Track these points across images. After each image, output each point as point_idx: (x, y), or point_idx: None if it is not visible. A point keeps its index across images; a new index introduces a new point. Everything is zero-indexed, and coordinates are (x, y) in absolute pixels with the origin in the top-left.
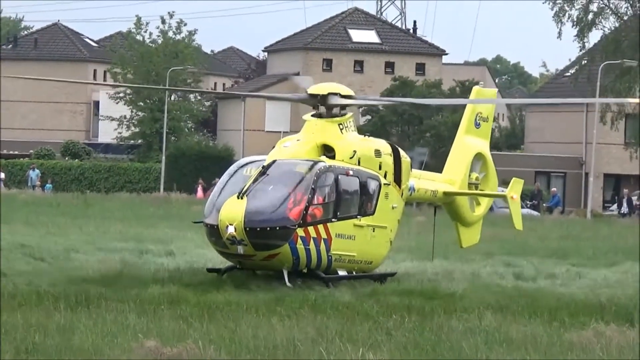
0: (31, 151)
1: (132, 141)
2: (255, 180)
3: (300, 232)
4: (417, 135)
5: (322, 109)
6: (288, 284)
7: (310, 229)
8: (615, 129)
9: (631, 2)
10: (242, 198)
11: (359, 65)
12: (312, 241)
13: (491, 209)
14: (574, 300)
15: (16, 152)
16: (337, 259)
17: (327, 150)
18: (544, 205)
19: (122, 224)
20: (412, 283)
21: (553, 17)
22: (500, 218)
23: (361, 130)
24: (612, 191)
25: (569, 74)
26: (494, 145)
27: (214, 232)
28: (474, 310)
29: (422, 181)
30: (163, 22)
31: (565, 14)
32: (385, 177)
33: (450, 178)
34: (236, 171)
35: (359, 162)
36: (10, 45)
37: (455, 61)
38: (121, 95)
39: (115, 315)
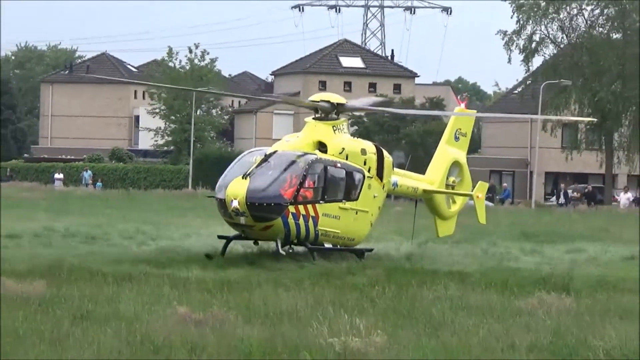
0: (84, 156)
1: (165, 148)
2: (258, 166)
3: (291, 209)
4: (395, 142)
5: (321, 114)
6: (280, 251)
7: (301, 207)
8: (554, 136)
9: (566, 33)
10: (245, 179)
11: (347, 86)
12: (301, 217)
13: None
14: (521, 273)
15: (72, 157)
16: (323, 234)
17: (321, 147)
18: (497, 197)
19: (157, 214)
20: (392, 260)
21: (504, 45)
22: (464, 209)
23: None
24: (551, 186)
25: (516, 91)
26: None
27: (223, 205)
28: (441, 282)
29: (404, 179)
30: (190, 51)
31: (513, 43)
32: (369, 171)
33: (430, 179)
34: (243, 158)
35: (347, 158)
36: (67, 71)
37: (425, 82)
38: (157, 111)
39: (153, 288)
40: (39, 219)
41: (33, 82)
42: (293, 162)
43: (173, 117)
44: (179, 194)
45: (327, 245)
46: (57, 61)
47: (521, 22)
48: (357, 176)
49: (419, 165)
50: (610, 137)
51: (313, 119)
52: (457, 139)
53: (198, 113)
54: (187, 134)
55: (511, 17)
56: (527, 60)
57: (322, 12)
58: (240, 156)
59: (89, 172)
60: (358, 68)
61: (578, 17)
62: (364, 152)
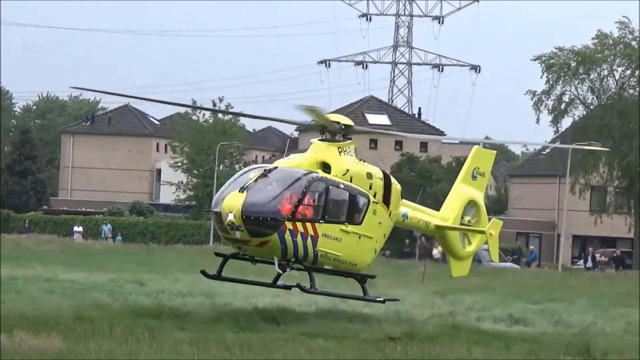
0: (104, 209)
1: (187, 202)
2: (256, 180)
3: (289, 225)
4: (420, 202)
5: (327, 135)
6: (277, 269)
7: (299, 224)
8: (583, 198)
9: (596, 94)
10: (242, 192)
11: (373, 143)
12: (299, 235)
13: (479, 261)
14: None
15: (92, 210)
16: (322, 255)
17: (325, 167)
18: (524, 260)
19: (177, 270)
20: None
21: (533, 105)
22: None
23: None
24: (579, 249)
25: (545, 152)
26: None
27: (218, 219)
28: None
29: (415, 212)
30: (214, 105)
31: (542, 103)
32: (374, 196)
33: (444, 216)
34: (242, 173)
35: (351, 180)
36: (89, 122)
37: (452, 141)
38: (179, 164)
39: (172, 345)
40: (57, 272)
41: (54, 132)
42: (293, 179)
43: (195, 172)
44: (200, 249)
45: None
46: (79, 112)
47: (551, 82)
48: (362, 200)
49: None
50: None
51: (319, 140)
52: (474, 177)
53: (221, 167)
54: (210, 189)
55: (541, 77)
56: (556, 121)
57: (348, 68)
58: (240, 172)
59: (109, 225)
60: (384, 125)
61: (609, 78)
62: (369, 176)
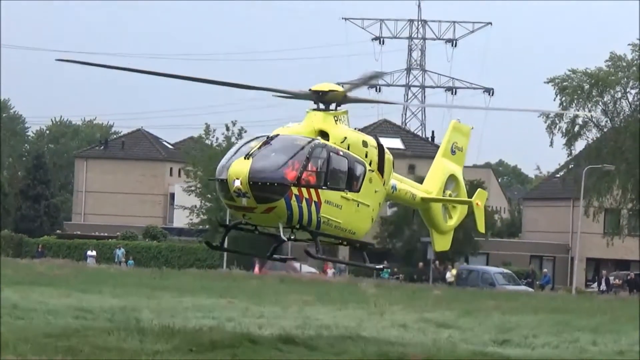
0: (118, 233)
1: (200, 226)
2: (259, 148)
3: (294, 190)
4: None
5: (322, 105)
6: (283, 237)
7: (304, 190)
8: (596, 221)
9: (610, 117)
10: (248, 159)
11: None
12: (304, 201)
13: (493, 285)
14: None
15: (106, 234)
16: (325, 222)
17: (323, 135)
18: (537, 283)
19: (190, 294)
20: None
21: (546, 128)
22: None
23: (388, 220)
24: (593, 272)
25: (558, 175)
26: (497, 233)
27: (224, 187)
28: None
29: (403, 184)
30: (227, 129)
31: (556, 126)
32: (370, 164)
33: (427, 189)
34: (244, 143)
35: (348, 148)
36: (102, 147)
37: (466, 164)
38: (193, 189)
39: None
40: (70, 296)
41: (67, 157)
42: (296, 145)
43: (209, 196)
44: (214, 273)
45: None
46: (92, 136)
47: (564, 104)
48: (359, 167)
49: (458, 247)
50: None
51: (313, 110)
52: (453, 152)
53: None
54: (223, 213)
55: (554, 100)
56: (569, 143)
57: (362, 91)
58: (241, 142)
59: (122, 249)
60: (397, 149)
61: (622, 100)
62: (365, 144)
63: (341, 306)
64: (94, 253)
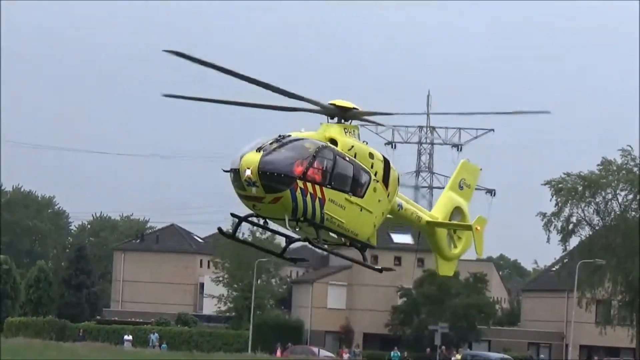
0: (152, 319)
1: (227, 313)
2: (271, 144)
3: (300, 184)
4: (440, 313)
5: (336, 119)
6: (288, 226)
7: (309, 185)
8: (589, 311)
9: (602, 216)
10: (259, 152)
11: (397, 260)
12: (309, 195)
13: None
14: None
15: (141, 320)
16: (328, 219)
17: (332, 143)
18: None
19: None
20: None
21: (543, 226)
22: None
23: (398, 309)
24: (586, 358)
25: (554, 269)
26: (498, 322)
27: (236, 176)
28: None
29: (409, 205)
30: (253, 225)
31: (552, 224)
32: (375, 175)
33: (433, 215)
34: (256, 140)
35: (355, 156)
36: (138, 240)
37: (470, 258)
38: (220, 279)
39: None
40: None
41: (107, 249)
42: (305, 144)
43: (235, 286)
44: (240, 356)
45: (332, 235)
46: (129, 231)
47: (559, 204)
48: (364, 175)
49: (463, 335)
50: None
51: (327, 122)
52: (461, 187)
53: (258, 282)
54: (248, 302)
55: (550, 200)
56: (564, 240)
57: None
58: (255, 140)
59: (156, 334)
60: (407, 244)
61: (613, 201)
62: (371, 155)
63: None
64: (130, 337)
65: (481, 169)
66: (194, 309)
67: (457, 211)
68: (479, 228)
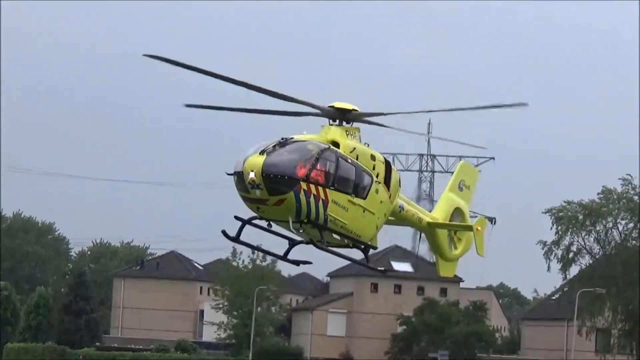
0: (152, 346)
1: (227, 341)
2: (274, 146)
3: (303, 186)
4: (440, 341)
5: (337, 122)
6: (292, 228)
7: (312, 187)
8: (589, 340)
9: (602, 245)
10: (262, 154)
11: (397, 289)
12: (312, 197)
13: None
14: None
15: (141, 347)
16: (331, 221)
17: (334, 145)
18: None
19: None
20: None
21: (543, 255)
22: None
23: (398, 337)
24: None
25: (554, 297)
26: (498, 350)
27: (240, 179)
28: None
29: (410, 206)
30: (253, 252)
31: (552, 253)
32: (377, 177)
33: (434, 217)
34: (259, 143)
35: (357, 158)
36: (138, 267)
37: (470, 286)
38: (220, 306)
39: None
40: None
41: (106, 275)
42: (308, 147)
43: (235, 313)
44: None
45: (334, 236)
46: (129, 257)
47: (560, 233)
48: (366, 177)
49: None
50: None
51: (329, 124)
52: (460, 189)
53: (258, 310)
54: (248, 329)
55: (550, 229)
56: (564, 269)
57: None
58: (258, 143)
59: None
60: (407, 272)
61: (613, 230)
62: (373, 157)
63: None
64: None
65: (480, 171)
66: (194, 336)
67: (457, 212)
68: (479, 229)
